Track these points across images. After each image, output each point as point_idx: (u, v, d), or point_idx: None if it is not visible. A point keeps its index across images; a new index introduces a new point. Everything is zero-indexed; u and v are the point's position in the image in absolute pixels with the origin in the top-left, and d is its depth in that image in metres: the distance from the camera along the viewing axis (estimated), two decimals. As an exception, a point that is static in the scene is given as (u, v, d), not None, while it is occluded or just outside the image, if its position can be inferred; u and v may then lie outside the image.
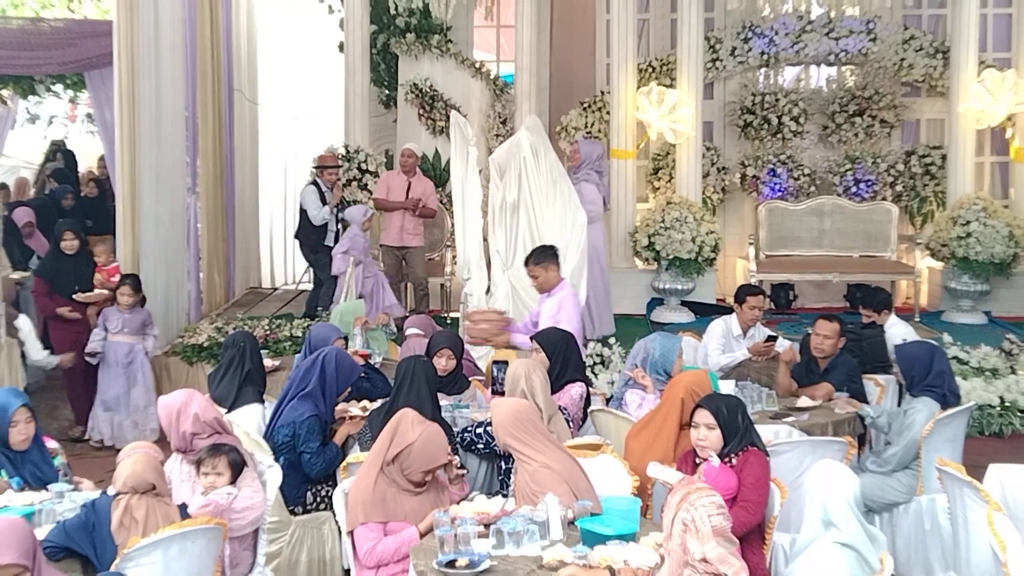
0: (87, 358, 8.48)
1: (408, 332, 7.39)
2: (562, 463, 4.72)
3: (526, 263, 7.34)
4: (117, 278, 8.92)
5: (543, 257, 7.21)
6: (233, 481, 4.75)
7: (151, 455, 4.52)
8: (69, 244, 8.76)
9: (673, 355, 6.17)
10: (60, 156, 14.45)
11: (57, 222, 9.45)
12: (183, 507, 4.49)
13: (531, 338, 6.38)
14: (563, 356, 6.11)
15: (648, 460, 4.75)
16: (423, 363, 5.71)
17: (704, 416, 4.69)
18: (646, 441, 5.30)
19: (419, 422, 4.72)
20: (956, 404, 6.09)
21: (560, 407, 5.73)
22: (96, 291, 8.79)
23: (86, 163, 15.31)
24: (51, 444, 5.39)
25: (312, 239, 10.42)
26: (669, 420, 5.26)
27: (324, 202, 10.30)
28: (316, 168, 10.58)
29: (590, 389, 6.32)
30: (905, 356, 6.22)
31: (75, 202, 12.62)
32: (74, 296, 8.66)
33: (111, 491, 4.46)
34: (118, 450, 5.20)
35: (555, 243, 8.21)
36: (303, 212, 10.43)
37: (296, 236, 10.82)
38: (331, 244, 10.26)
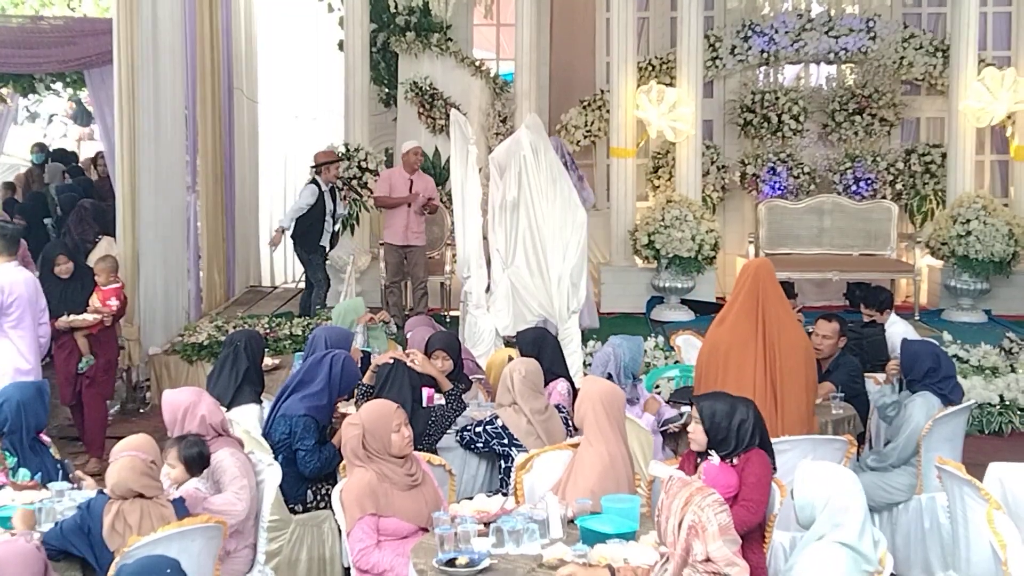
0: None
1: (415, 331, 7.43)
2: (623, 460, 4.78)
3: None
4: (114, 302, 8.03)
5: None
6: (195, 474, 4.71)
7: (137, 458, 4.35)
8: (64, 268, 7.97)
9: (640, 357, 6.15)
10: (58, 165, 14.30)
11: (46, 244, 8.73)
12: (180, 502, 4.47)
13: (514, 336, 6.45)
14: (535, 356, 6.08)
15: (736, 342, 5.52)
16: (402, 363, 5.82)
17: (695, 411, 4.70)
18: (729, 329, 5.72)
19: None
20: (958, 401, 6.09)
21: (558, 406, 5.73)
22: (84, 315, 7.81)
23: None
24: (45, 439, 5.40)
25: (312, 238, 10.19)
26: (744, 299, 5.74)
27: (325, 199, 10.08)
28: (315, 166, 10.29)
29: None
30: (909, 353, 6.20)
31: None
32: (58, 320, 7.55)
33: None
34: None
35: (555, 241, 8.23)
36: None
37: (292, 236, 10.33)
38: (326, 245, 10.27)
